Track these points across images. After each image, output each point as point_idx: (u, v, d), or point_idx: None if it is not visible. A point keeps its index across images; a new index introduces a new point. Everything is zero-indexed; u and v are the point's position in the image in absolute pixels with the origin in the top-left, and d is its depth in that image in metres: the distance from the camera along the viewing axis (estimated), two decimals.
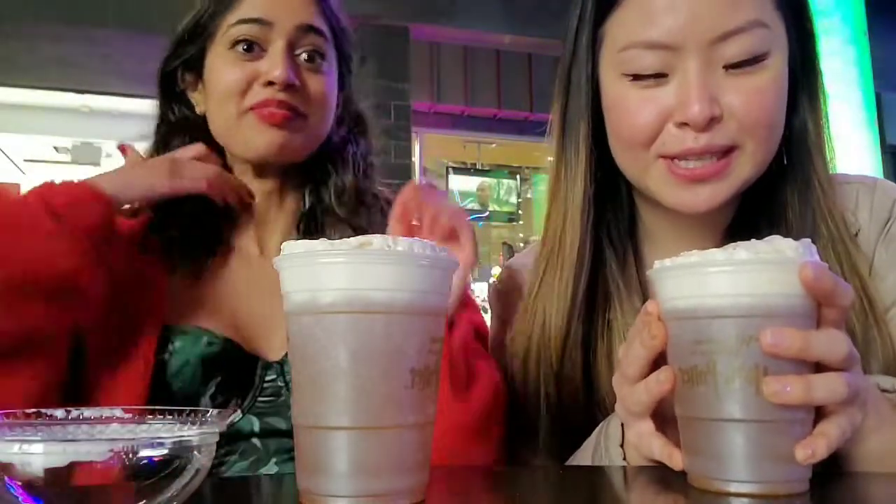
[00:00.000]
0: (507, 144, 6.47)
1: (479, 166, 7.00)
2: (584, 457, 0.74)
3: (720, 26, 0.72)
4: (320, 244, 0.52)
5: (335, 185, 1.03)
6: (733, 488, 0.52)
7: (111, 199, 0.84)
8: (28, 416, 0.47)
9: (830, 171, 0.82)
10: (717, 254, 0.53)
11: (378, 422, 0.50)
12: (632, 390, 0.60)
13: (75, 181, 0.85)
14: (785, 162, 0.82)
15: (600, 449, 0.70)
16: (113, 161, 6.03)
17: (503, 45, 5.70)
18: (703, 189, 0.76)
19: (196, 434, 0.44)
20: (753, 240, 0.54)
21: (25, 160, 7.03)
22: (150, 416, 0.49)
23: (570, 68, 0.85)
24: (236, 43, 0.94)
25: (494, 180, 7.00)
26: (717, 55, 0.73)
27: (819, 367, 0.53)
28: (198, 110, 1.02)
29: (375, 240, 0.51)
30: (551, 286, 0.85)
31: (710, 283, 0.52)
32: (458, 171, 6.80)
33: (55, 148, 6.75)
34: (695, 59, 0.73)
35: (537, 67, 5.78)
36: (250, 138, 0.95)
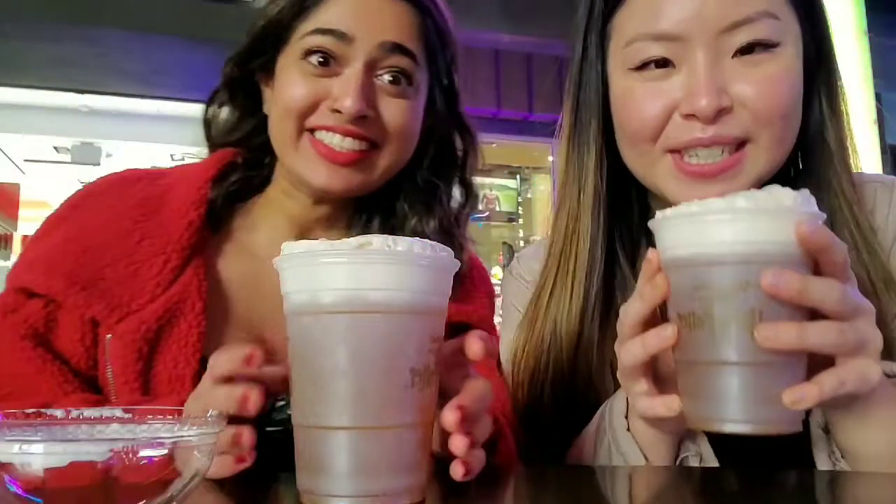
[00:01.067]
0: (507, 144, 6.47)
1: (479, 166, 7.01)
2: (587, 434, 0.74)
3: (729, 16, 0.71)
4: (320, 244, 0.52)
5: (413, 231, 0.91)
6: (728, 427, 0.54)
7: None
8: (28, 416, 0.47)
9: (852, 173, 0.79)
10: (716, 202, 0.54)
11: (378, 422, 0.50)
12: (630, 344, 0.60)
13: None
14: (801, 165, 0.81)
15: (604, 423, 0.71)
16: (113, 161, 6.03)
17: (502, 45, 5.70)
18: (713, 186, 0.74)
19: (196, 434, 0.44)
20: (753, 189, 0.55)
21: (25, 160, 7.02)
22: (150, 416, 0.49)
23: (581, 67, 0.84)
24: (310, 53, 0.85)
25: (494, 180, 7.00)
26: (725, 45, 0.72)
27: (816, 317, 0.54)
28: (265, 108, 0.94)
29: (375, 240, 0.51)
30: (564, 285, 0.85)
31: (710, 230, 0.54)
32: None
33: (55, 148, 6.74)
34: (702, 49, 0.72)
35: (537, 67, 5.77)
36: (305, 169, 0.86)
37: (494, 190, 6.93)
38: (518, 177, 7.18)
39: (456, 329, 0.66)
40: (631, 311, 0.61)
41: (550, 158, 6.05)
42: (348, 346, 0.50)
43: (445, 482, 0.56)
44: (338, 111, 0.83)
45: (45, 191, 7.36)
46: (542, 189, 6.81)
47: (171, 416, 0.50)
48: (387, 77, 0.86)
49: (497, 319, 1.03)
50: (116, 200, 0.88)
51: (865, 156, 4.48)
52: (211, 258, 0.89)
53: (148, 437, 0.43)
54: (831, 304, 0.53)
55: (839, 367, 0.54)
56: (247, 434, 0.56)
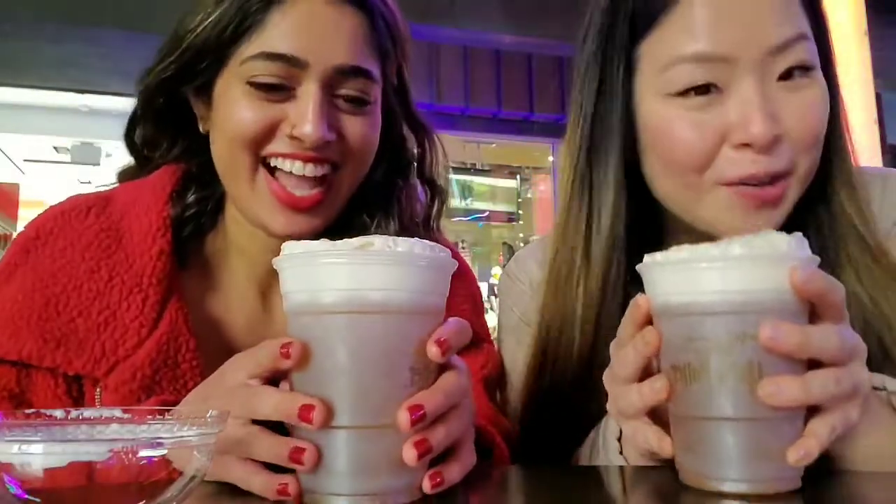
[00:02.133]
0: (507, 144, 6.47)
1: (479, 166, 7.00)
2: (583, 453, 0.74)
3: (776, 37, 0.68)
4: (320, 244, 0.52)
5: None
6: (726, 487, 0.51)
7: None
8: (28, 416, 0.47)
9: (856, 187, 0.78)
10: (709, 249, 0.52)
11: (378, 420, 0.50)
12: (625, 392, 0.59)
13: None
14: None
15: (598, 444, 0.70)
16: (112, 161, 6.03)
17: (503, 46, 5.70)
18: (758, 216, 0.71)
19: (196, 434, 0.44)
20: (748, 235, 0.53)
21: (25, 160, 7.03)
22: (150, 416, 0.49)
23: (598, 94, 0.78)
24: (256, 85, 0.75)
25: (495, 180, 7.00)
26: (770, 68, 0.69)
27: (811, 363, 0.52)
28: (201, 127, 0.85)
29: (377, 240, 0.51)
30: (572, 310, 0.80)
31: (703, 279, 0.51)
32: (458, 171, 6.80)
33: (55, 148, 6.75)
34: (751, 72, 0.68)
35: (537, 68, 5.77)
36: (262, 212, 0.78)
37: (495, 190, 6.94)
38: (518, 177, 7.18)
39: None
40: (626, 359, 0.58)
41: (550, 158, 6.05)
42: (348, 346, 0.50)
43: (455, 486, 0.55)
44: (297, 138, 0.75)
45: (45, 191, 7.36)
46: (542, 189, 6.81)
47: (171, 416, 0.49)
48: (345, 100, 0.79)
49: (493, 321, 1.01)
50: (71, 239, 0.79)
51: (866, 155, 4.48)
52: (185, 293, 0.82)
53: (148, 437, 0.43)
54: (831, 353, 0.51)
55: (831, 413, 0.52)
56: (293, 486, 0.52)
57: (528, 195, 7.32)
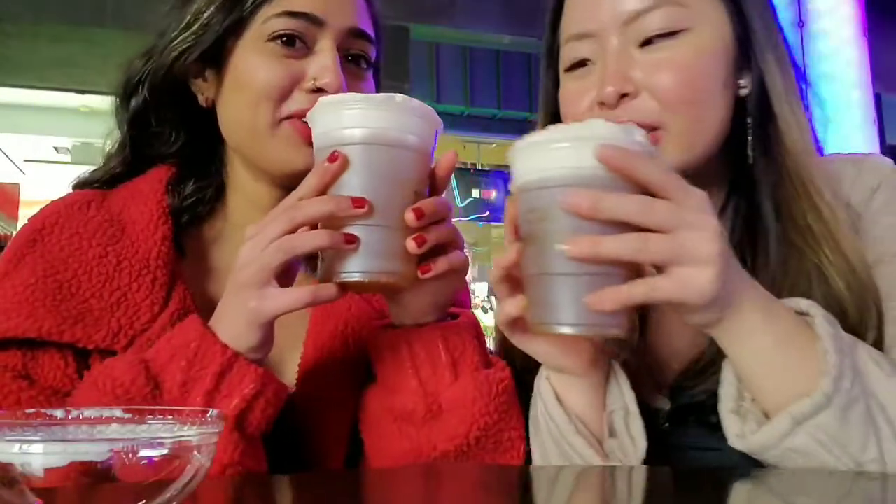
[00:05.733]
0: (507, 144, 6.47)
1: (479, 166, 7.00)
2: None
3: (627, 8, 0.75)
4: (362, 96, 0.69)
5: None
6: (559, 330, 0.60)
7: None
8: (28, 416, 0.47)
9: (811, 156, 0.79)
10: (536, 135, 0.62)
11: (392, 222, 0.68)
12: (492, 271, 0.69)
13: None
14: (750, 151, 0.81)
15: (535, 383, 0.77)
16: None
17: (503, 46, 5.70)
18: None
19: (196, 434, 0.44)
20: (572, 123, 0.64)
21: (25, 160, 7.03)
22: (150, 416, 0.50)
23: (543, 79, 0.90)
24: (276, 37, 0.81)
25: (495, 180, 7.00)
26: (631, 35, 0.75)
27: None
28: (201, 100, 0.89)
29: (396, 96, 0.68)
30: None
31: (531, 161, 0.62)
32: (458, 171, 6.81)
33: (55, 148, 6.75)
34: (611, 41, 0.76)
35: (537, 68, 5.76)
36: (284, 153, 0.83)
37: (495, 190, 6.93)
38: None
39: None
40: (500, 262, 0.69)
41: None
42: (373, 169, 0.68)
43: (446, 484, 0.56)
44: (320, 90, 0.81)
45: (45, 191, 7.35)
46: None
47: (171, 416, 0.50)
48: (351, 60, 0.87)
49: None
50: (77, 228, 0.82)
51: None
52: (186, 279, 0.85)
53: (148, 437, 0.43)
54: (632, 217, 0.57)
55: (655, 277, 0.58)
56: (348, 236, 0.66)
57: None
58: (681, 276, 0.58)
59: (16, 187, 7.33)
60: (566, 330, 0.60)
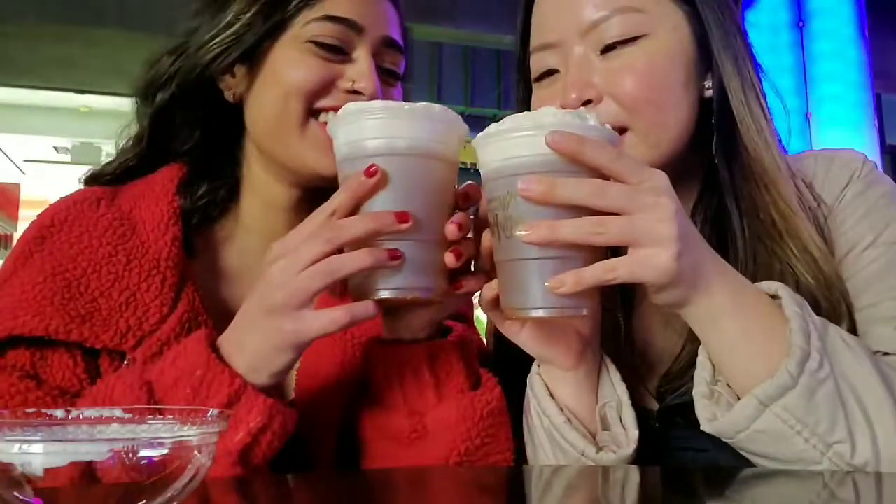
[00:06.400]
0: None
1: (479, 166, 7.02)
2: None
3: (585, 17, 0.76)
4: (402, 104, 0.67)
5: None
6: (528, 314, 0.62)
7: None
8: (28, 416, 0.47)
9: (771, 155, 0.79)
10: (490, 127, 0.63)
11: (431, 236, 0.67)
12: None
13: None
14: (714, 151, 0.82)
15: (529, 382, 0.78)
16: None
17: (504, 46, 5.70)
18: None
19: (196, 434, 0.44)
20: (526, 112, 0.65)
21: (25, 160, 7.03)
22: (150, 416, 0.49)
23: (516, 87, 0.92)
24: (317, 39, 0.83)
25: None
26: (591, 43, 0.77)
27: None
28: (228, 96, 0.89)
29: (436, 106, 0.67)
30: None
31: (489, 151, 0.63)
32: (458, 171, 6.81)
33: (55, 148, 6.75)
34: (573, 50, 0.78)
35: None
36: (310, 157, 0.84)
37: None
38: None
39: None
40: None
41: None
42: (415, 181, 0.67)
43: (445, 482, 0.56)
44: (356, 92, 0.83)
45: (45, 191, 7.35)
46: None
47: (171, 416, 0.50)
48: (383, 71, 0.88)
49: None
50: (87, 226, 0.81)
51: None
52: (196, 280, 0.84)
53: (148, 437, 0.43)
54: (586, 200, 0.58)
55: (612, 260, 0.59)
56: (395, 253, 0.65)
57: None
58: (639, 256, 0.59)
59: (16, 187, 7.34)
60: (535, 313, 0.61)
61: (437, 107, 0.67)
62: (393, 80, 0.90)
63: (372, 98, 0.84)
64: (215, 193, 0.91)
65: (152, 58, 0.91)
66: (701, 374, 0.68)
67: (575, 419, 0.73)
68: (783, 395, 0.60)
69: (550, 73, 0.81)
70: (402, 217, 0.63)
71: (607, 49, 0.77)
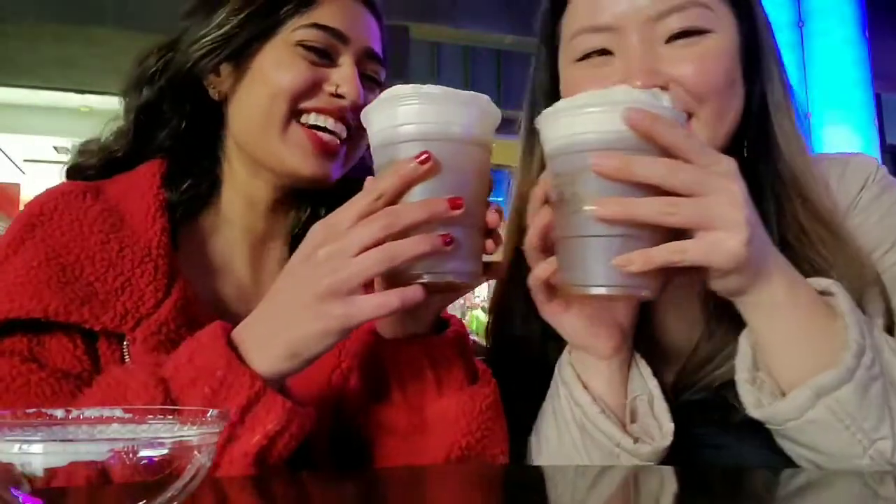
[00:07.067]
0: (507, 144, 6.47)
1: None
2: (546, 399, 0.79)
3: (653, 8, 0.76)
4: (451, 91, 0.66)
5: None
6: (590, 291, 0.61)
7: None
8: (28, 416, 0.47)
9: (805, 160, 0.81)
10: (563, 102, 0.63)
11: (476, 223, 0.67)
12: (527, 236, 0.70)
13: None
14: (745, 155, 0.82)
15: (556, 370, 0.77)
16: None
17: (504, 46, 5.70)
18: None
19: (196, 434, 0.44)
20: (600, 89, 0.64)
21: (25, 160, 7.05)
22: (150, 416, 0.49)
23: (534, 69, 0.90)
24: (304, 44, 0.86)
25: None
26: (657, 32, 0.76)
27: None
28: (213, 94, 0.91)
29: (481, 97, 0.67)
30: (516, 270, 0.85)
31: (560, 126, 0.63)
32: None
33: (55, 148, 6.76)
34: (635, 36, 0.76)
35: None
36: (291, 158, 0.86)
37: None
38: None
39: None
40: (529, 208, 0.70)
41: None
42: (467, 167, 0.67)
43: (444, 482, 0.55)
44: (339, 96, 0.85)
45: None
46: None
47: (171, 416, 0.50)
48: (366, 79, 0.90)
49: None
50: (77, 215, 0.82)
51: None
52: (182, 271, 0.84)
53: (148, 437, 0.43)
54: (660, 179, 0.58)
55: (683, 241, 0.59)
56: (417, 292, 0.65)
57: None
58: (710, 239, 0.58)
59: (16, 187, 7.35)
60: (597, 291, 0.61)
61: (476, 95, 0.67)
62: (374, 86, 0.92)
63: (354, 103, 0.86)
64: (198, 188, 0.92)
65: (141, 54, 0.94)
66: (743, 361, 0.68)
67: (608, 410, 0.73)
68: (838, 387, 0.61)
69: (597, 52, 0.79)
70: (454, 203, 0.64)
71: (674, 38, 0.76)
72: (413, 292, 0.65)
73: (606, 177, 0.58)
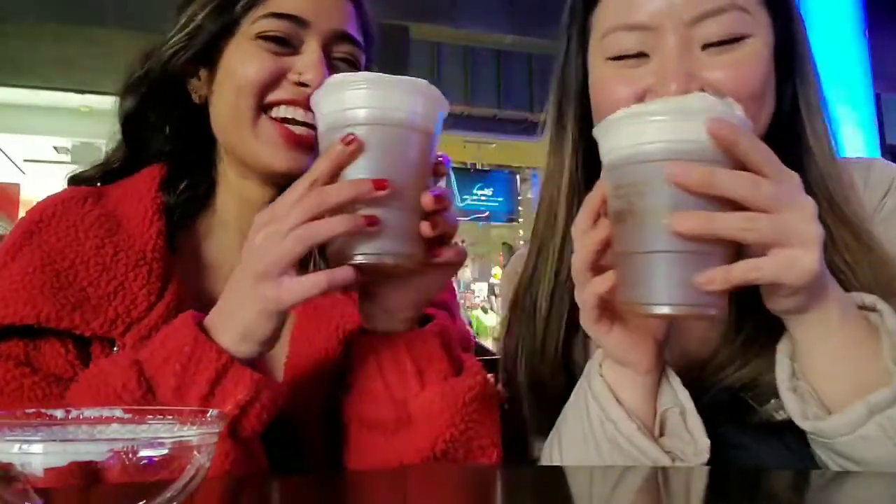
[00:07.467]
0: (507, 144, 6.48)
1: (479, 166, 7.01)
2: (569, 404, 0.77)
3: (698, 7, 0.74)
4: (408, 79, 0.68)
5: None
6: (653, 310, 0.58)
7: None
8: (28, 416, 0.47)
9: (834, 165, 0.80)
10: (634, 108, 0.60)
11: (411, 204, 0.69)
12: (577, 249, 0.67)
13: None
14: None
15: (583, 380, 0.75)
16: None
17: (504, 46, 5.71)
18: None
19: (196, 434, 0.44)
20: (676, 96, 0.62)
21: (25, 160, 7.04)
22: (150, 416, 0.49)
23: (564, 62, 0.87)
24: (264, 35, 0.85)
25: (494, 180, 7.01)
26: (695, 35, 0.74)
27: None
28: (195, 98, 0.91)
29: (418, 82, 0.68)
30: (542, 267, 0.86)
31: (632, 134, 0.59)
32: (458, 171, 6.81)
33: (55, 148, 6.76)
34: (672, 38, 0.74)
35: (537, 67, 5.78)
36: (263, 153, 0.85)
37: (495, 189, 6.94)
38: (518, 177, 7.19)
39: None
40: (578, 219, 0.67)
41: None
42: (393, 153, 0.69)
43: (443, 482, 0.56)
44: (303, 84, 0.84)
45: (45, 191, 7.34)
46: None
47: (171, 416, 0.50)
48: (339, 62, 0.88)
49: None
50: (74, 221, 0.83)
51: (864, 155, 4.49)
52: (180, 277, 0.86)
53: (148, 437, 0.43)
54: (742, 194, 0.56)
55: (759, 258, 0.57)
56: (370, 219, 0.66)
57: (528, 195, 7.33)
58: (785, 256, 0.57)
59: (16, 187, 7.35)
60: (664, 310, 0.58)
61: (420, 81, 0.68)
62: (351, 70, 0.89)
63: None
64: (195, 190, 0.93)
65: (130, 63, 0.94)
66: (783, 371, 0.68)
67: (643, 426, 0.71)
68: (891, 405, 0.60)
69: (635, 55, 0.77)
70: (379, 184, 0.66)
71: (712, 44, 0.74)
72: (343, 273, 0.67)
73: (686, 189, 0.56)
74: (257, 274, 0.68)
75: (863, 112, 4.50)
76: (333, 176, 0.68)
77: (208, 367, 0.67)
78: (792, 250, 0.57)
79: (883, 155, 4.92)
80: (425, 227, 0.68)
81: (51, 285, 0.77)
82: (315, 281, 0.67)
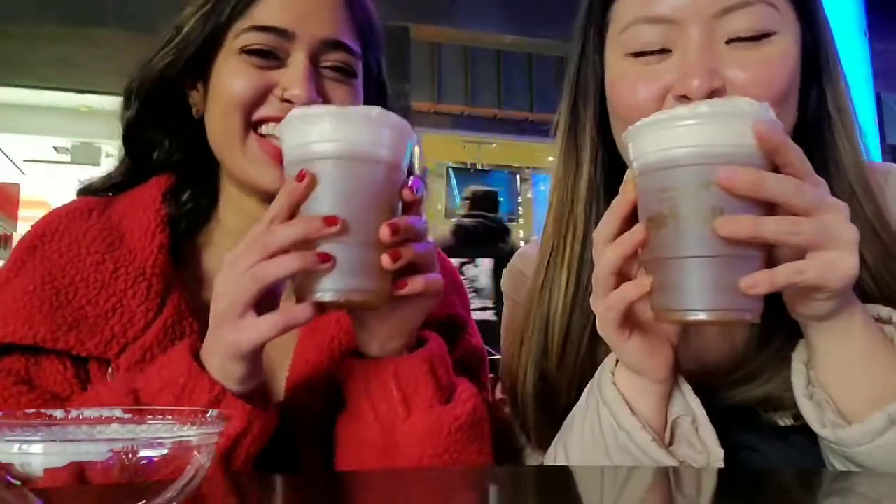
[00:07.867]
0: (507, 144, 6.48)
1: (479, 166, 7.00)
2: (577, 408, 0.76)
3: (718, 2, 0.71)
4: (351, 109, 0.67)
5: None
6: (689, 317, 0.57)
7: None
8: (28, 416, 0.47)
9: (862, 169, 0.79)
10: (680, 109, 0.58)
11: (369, 238, 0.66)
12: (604, 252, 0.64)
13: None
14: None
15: (593, 386, 0.73)
16: (112, 161, 6.04)
17: (504, 46, 5.71)
18: None
19: (196, 434, 0.44)
20: (715, 98, 0.62)
21: (25, 160, 7.04)
22: (150, 416, 0.49)
23: (580, 59, 0.85)
24: (249, 50, 0.83)
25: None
26: (719, 30, 0.72)
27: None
28: (195, 112, 0.91)
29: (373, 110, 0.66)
30: (558, 274, 0.84)
31: (674, 136, 0.58)
32: (458, 171, 6.80)
33: (55, 148, 6.76)
34: (696, 32, 0.72)
35: (538, 67, 5.78)
36: (251, 171, 0.84)
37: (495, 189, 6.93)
38: (518, 177, 7.19)
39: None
40: (604, 225, 0.65)
41: (551, 158, 6.04)
42: (348, 186, 0.66)
43: (441, 482, 0.55)
44: (288, 101, 0.82)
45: (45, 191, 7.36)
46: (543, 189, 6.82)
47: (171, 416, 0.50)
48: (331, 69, 0.86)
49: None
50: (76, 236, 0.83)
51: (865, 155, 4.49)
52: (183, 289, 0.85)
53: (148, 437, 0.43)
54: (787, 197, 0.56)
55: (801, 261, 0.57)
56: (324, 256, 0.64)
57: (528, 195, 7.33)
58: (826, 259, 0.56)
59: (16, 187, 7.35)
60: (701, 316, 0.57)
61: (376, 110, 0.66)
62: (344, 78, 0.87)
63: (305, 104, 0.81)
64: (198, 201, 0.93)
65: (129, 71, 0.93)
66: (799, 378, 0.67)
67: (656, 436, 0.70)
68: None
69: (655, 50, 0.75)
70: (330, 221, 0.64)
71: (738, 39, 0.72)
72: (301, 311, 0.66)
73: (734, 192, 0.55)
74: (216, 316, 0.68)
75: (863, 112, 4.50)
76: (292, 213, 0.66)
77: (201, 397, 0.67)
78: (831, 252, 0.56)
79: (883, 155, 4.92)
80: (385, 260, 0.66)
81: (50, 304, 0.77)
82: (272, 322, 0.65)
